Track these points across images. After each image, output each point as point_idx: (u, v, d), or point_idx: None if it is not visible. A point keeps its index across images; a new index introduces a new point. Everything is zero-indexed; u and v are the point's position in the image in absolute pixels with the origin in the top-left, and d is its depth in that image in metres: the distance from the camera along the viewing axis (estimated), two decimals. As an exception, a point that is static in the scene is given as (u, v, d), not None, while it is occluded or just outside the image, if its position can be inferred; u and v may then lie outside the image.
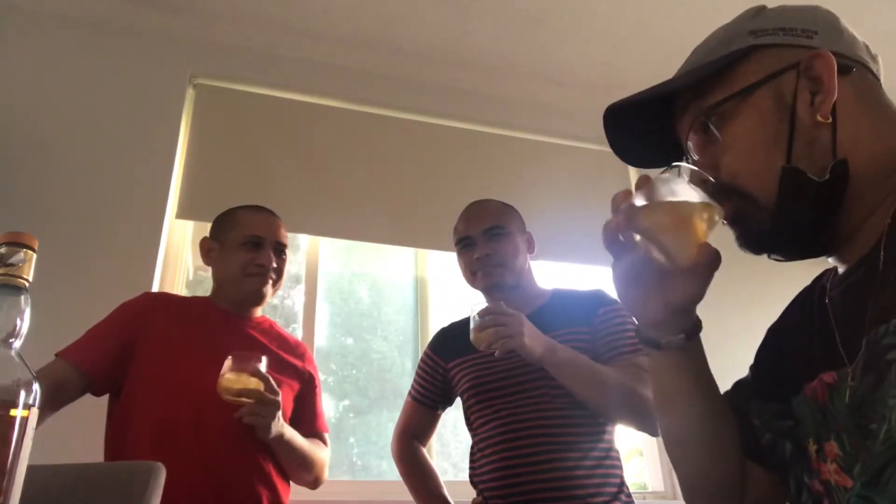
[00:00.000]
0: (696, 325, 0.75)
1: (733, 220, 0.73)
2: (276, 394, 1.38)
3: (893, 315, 0.54)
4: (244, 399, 1.34)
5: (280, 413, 1.39)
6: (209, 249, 1.66)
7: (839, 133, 0.66)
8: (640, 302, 0.73)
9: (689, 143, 0.76)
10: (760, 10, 0.74)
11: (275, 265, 1.61)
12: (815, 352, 0.68)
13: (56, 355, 1.42)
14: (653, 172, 0.72)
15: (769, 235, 0.70)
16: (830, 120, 0.65)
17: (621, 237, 0.71)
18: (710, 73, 0.72)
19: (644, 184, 0.69)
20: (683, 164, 0.73)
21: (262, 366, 1.37)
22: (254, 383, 1.35)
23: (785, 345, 0.77)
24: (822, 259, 0.73)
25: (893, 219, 0.61)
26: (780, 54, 0.70)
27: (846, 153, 0.65)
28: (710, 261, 0.67)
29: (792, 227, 0.68)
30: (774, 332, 0.82)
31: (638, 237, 0.70)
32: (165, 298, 1.69)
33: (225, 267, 1.61)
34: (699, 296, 0.71)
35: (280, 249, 1.65)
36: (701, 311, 0.73)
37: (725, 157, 0.71)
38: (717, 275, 0.68)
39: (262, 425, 1.37)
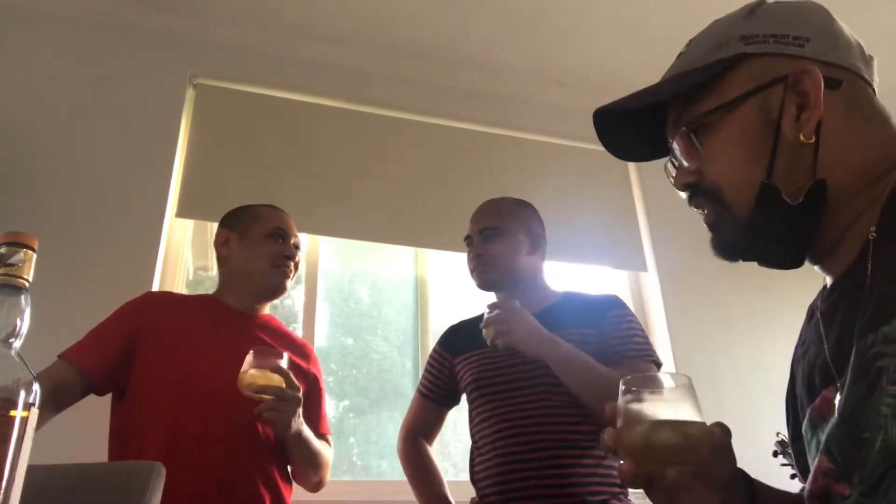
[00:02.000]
0: (746, 478, 0.74)
1: (712, 227, 0.73)
2: (298, 390, 1.37)
3: (882, 323, 0.54)
4: (264, 395, 1.33)
5: (300, 410, 1.39)
6: (226, 240, 1.64)
7: (823, 149, 0.65)
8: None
9: (675, 146, 0.76)
10: (755, 9, 0.73)
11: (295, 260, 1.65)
12: (816, 372, 0.67)
13: (58, 356, 1.42)
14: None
15: (741, 246, 0.71)
16: (813, 140, 0.65)
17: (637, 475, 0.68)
18: (697, 81, 0.72)
19: (619, 411, 0.68)
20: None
21: (284, 362, 1.36)
22: (276, 380, 1.33)
23: (796, 379, 0.76)
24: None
25: (878, 228, 0.61)
26: (769, 65, 0.69)
27: (828, 170, 0.65)
28: (725, 434, 0.68)
29: (763, 242, 0.70)
30: (790, 376, 0.80)
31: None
32: (168, 297, 1.68)
33: (248, 258, 1.60)
34: (734, 461, 0.71)
35: (297, 246, 1.68)
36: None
37: (709, 166, 0.71)
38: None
39: (283, 421, 1.36)
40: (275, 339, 1.60)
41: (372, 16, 2.54)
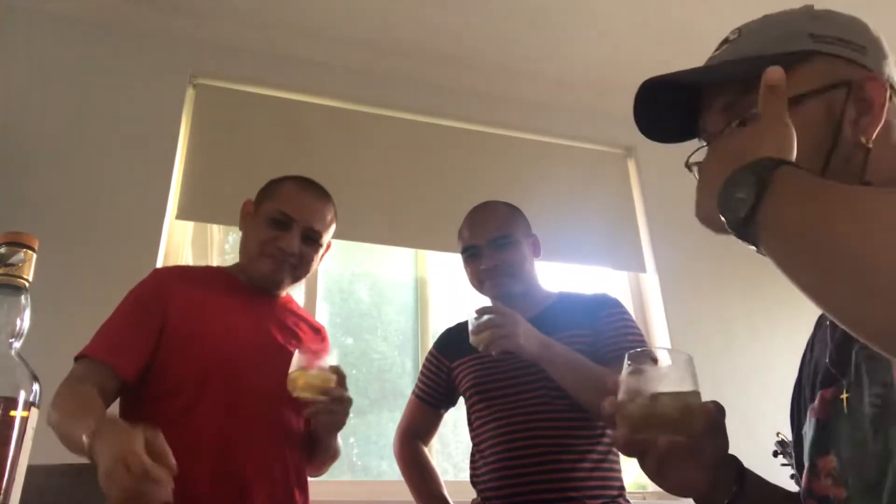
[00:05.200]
0: (738, 463, 0.75)
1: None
2: (347, 390, 1.29)
3: None
4: (310, 396, 1.23)
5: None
6: (247, 213, 1.50)
7: (872, 155, 0.67)
8: (686, 482, 0.74)
9: (717, 128, 0.73)
10: (816, 14, 0.73)
11: (299, 252, 1.43)
12: (819, 374, 0.68)
13: (90, 356, 1.24)
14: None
15: None
16: (872, 145, 0.67)
17: (634, 441, 0.71)
18: (766, 66, 0.70)
19: (620, 383, 0.72)
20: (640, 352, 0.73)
21: (334, 359, 1.28)
22: (332, 380, 1.25)
23: (802, 380, 0.77)
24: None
25: None
26: (835, 66, 0.69)
27: (872, 176, 0.66)
28: (719, 414, 0.70)
29: None
30: (797, 377, 0.81)
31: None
32: (180, 271, 1.56)
33: (247, 237, 1.47)
34: (727, 442, 0.72)
35: (311, 237, 1.47)
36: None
37: None
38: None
39: (338, 424, 1.29)
40: (292, 321, 1.49)
41: (372, 16, 2.54)
